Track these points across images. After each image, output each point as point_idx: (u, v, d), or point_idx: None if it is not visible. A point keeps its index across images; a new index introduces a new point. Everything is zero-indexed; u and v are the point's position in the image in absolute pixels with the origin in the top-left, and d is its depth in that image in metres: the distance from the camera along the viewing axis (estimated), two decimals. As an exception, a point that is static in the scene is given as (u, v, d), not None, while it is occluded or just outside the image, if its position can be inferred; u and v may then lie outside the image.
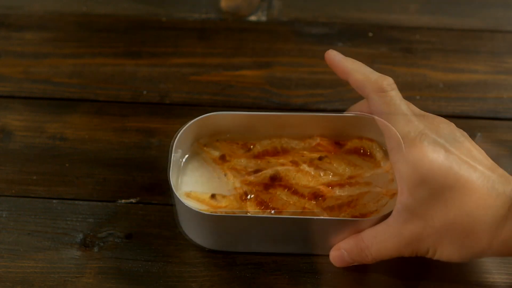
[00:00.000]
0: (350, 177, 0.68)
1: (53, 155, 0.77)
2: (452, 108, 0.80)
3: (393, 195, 0.66)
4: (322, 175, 0.68)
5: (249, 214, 0.66)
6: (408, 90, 0.82)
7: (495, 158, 0.75)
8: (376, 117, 0.62)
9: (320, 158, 0.69)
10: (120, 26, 0.91)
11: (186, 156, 0.71)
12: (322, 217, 0.64)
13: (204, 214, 0.64)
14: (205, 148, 0.70)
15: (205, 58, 0.87)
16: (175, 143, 0.68)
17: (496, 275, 0.66)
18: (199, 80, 0.84)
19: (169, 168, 0.66)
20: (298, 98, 0.82)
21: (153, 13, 0.93)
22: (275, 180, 0.68)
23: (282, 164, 0.69)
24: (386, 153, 0.69)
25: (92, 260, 0.68)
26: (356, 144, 0.70)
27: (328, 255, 0.66)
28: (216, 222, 0.65)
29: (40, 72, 0.86)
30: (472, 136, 0.76)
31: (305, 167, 0.68)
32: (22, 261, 0.68)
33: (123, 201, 0.72)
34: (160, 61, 0.87)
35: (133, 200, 0.72)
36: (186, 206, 0.64)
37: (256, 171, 0.68)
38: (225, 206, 0.67)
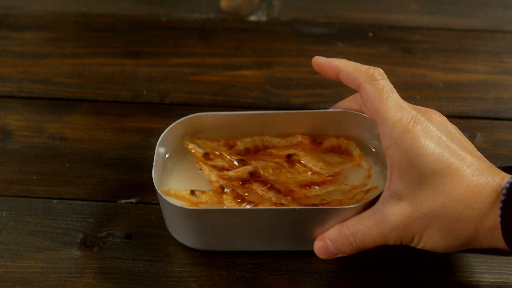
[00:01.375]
0: (330, 176, 0.68)
1: (53, 155, 0.77)
2: (452, 108, 0.80)
3: (368, 191, 0.66)
4: (301, 172, 0.68)
5: (228, 207, 0.66)
6: (408, 90, 0.82)
7: (495, 158, 0.75)
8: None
9: (288, 156, 0.69)
10: (120, 26, 0.91)
11: (169, 154, 0.71)
12: (305, 207, 0.64)
13: (185, 209, 0.64)
14: (189, 145, 0.70)
15: (205, 58, 0.87)
16: (158, 142, 0.68)
17: (496, 275, 0.66)
18: (199, 80, 0.84)
19: (153, 167, 0.66)
20: (298, 98, 0.82)
21: (153, 13, 0.93)
22: (254, 176, 0.68)
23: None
24: (362, 151, 0.70)
25: (92, 260, 0.68)
26: (333, 142, 0.71)
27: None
28: (198, 217, 0.65)
29: (40, 72, 0.86)
30: (472, 136, 0.77)
31: (285, 165, 0.68)
32: (22, 261, 0.68)
33: (123, 201, 0.72)
34: (160, 61, 0.87)
35: (133, 200, 0.72)
36: (169, 202, 0.64)
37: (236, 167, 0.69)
38: (206, 202, 0.67)
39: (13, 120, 0.80)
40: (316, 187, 0.67)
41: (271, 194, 0.67)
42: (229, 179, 0.68)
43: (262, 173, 0.68)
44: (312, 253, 0.66)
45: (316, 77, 0.84)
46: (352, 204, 0.65)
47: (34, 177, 0.75)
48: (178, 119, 0.70)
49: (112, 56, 0.87)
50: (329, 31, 0.90)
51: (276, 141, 0.71)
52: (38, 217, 0.71)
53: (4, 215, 0.71)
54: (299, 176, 0.68)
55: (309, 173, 0.68)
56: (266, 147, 0.71)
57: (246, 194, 0.67)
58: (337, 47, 0.88)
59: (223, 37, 0.90)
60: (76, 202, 0.72)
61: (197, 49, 0.88)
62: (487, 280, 0.66)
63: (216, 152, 0.70)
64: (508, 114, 0.80)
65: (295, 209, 0.64)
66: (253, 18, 0.92)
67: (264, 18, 0.92)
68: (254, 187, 0.67)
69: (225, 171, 0.68)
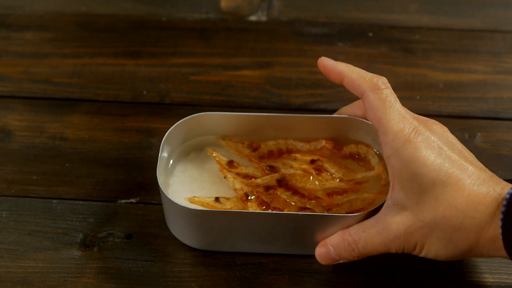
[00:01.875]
0: (356, 183, 0.68)
1: (53, 155, 0.77)
2: (452, 108, 0.80)
3: (379, 193, 0.67)
4: (328, 179, 0.68)
5: (235, 210, 0.66)
6: (408, 90, 0.82)
7: (495, 158, 0.75)
8: (370, 113, 0.63)
9: (312, 161, 0.69)
10: (120, 26, 0.91)
11: (172, 153, 0.71)
12: (306, 213, 0.65)
13: (188, 209, 0.64)
14: (213, 154, 0.71)
15: (205, 58, 0.87)
16: (163, 142, 0.68)
17: (496, 275, 0.66)
18: (199, 80, 0.85)
19: (158, 167, 0.66)
20: (298, 98, 0.82)
21: (153, 13, 0.93)
22: (281, 183, 0.68)
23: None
24: (380, 159, 0.70)
25: (92, 260, 0.68)
26: (352, 149, 0.71)
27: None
28: (201, 218, 0.65)
29: (40, 72, 0.86)
30: (472, 136, 0.77)
31: (312, 172, 0.68)
32: (22, 261, 0.68)
33: (123, 201, 0.72)
34: (160, 61, 0.87)
35: (133, 200, 0.72)
36: (172, 202, 0.64)
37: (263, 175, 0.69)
38: (230, 208, 0.67)
39: (13, 120, 0.80)
40: (338, 196, 0.67)
41: (295, 199, 0.67)
42: (255, 186, 0.68)
43: (290, 181, 0.68)
44: (312, 254, 0.66)
45: (316, 77, 0.84)
46: (362, 206, 0.66)
47: (34, 177, 0.75)
48: (178, 119, 0.70)
49: (112, 56, 0.87)
50: (329, 31, 0.90)
51: (300, 145, 0.71)
52: (38, 217, 0.71)
53: (4, 215, 0.71)
54: (327, 183, 0.68)
55: (337, 180, 0.68)
56: (289, 151, 0.71)
57: (271, 200, 0.67)
58: (337, 47, 0.88)
59: (223, 37, 0.90)
60: (76, 202, 0.72)
61: (197, 49, 0.88)
62: (487, 280, 0.66)
63: (250, 159, 0.70)
64: (508, 114, 0.80)
65: (297, 214, 0.64)
66: (253, 18, 0.92)
67: (264, 18, 0.92)
68: (279, 193, 0.67)
69: (253, 179, 0.68)
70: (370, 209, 0.64)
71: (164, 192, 0.65)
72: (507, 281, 0.65)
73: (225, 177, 0.69)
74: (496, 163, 0.74)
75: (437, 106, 0.80)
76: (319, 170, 0.69)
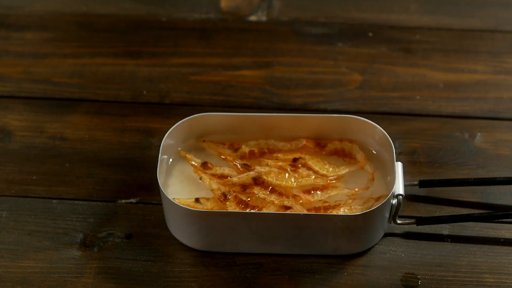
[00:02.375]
0: (334, 178, 0.69)
1: (53, 155, 0.77)
2: (452, 108, 0.80)
3: (379, 198, 0.67)
4: (304, 176, 0.69)
5: (234, 211, 0.66)
6: (408, 90, 0.82)
7: (495, 158, 0.75)
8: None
9: (294, 160, 0.70)
10: (120, 26, 0.91)
11: (172, 155, 0.71)
12: (310, 213, 0.65)
13: (191, 210, 0.64)
14: (187, 156, 0.71)
15: (205, 58, 0.87)
16: (163, 143, 0.68)
17: (496, 275, 0.66)
18: (199, 80, 0.85)
19: (158, 167, 0.66)
20: (298, 98, 0.82)
21: (153, 13, 0.93)
22: (257, 181, 0.68)
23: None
24: (366, 154, 0.70)
25: (92, 260, 0.68)
26: (337, 145, 0.71)
27: (317, 255, 0.66)
28: (204, 219, 0.65)
29: (40, 72, 0.86)
30: (472, 136, 0.77)
31: (287, 169, 0.69)
32: (22, 261, 0.68)
33: (123, 201, 0.72)
34: (160, 61, 0.87)
35: (133, 200, 0.72)
36: (173, 202, 0.64)
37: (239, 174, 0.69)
38: (211, 208, 0.67)
39: (13, 120, 0.80)
40: (318, 192, 0.67)
41: (273, 197, 0.67)
42: (232, 185, 0.68)
43: (266, 178, 0.68)
44: (312, 254, 0.66)
45: (316, 77, 0.84)
46: (361, 208, 0.66)
47: (34, 177, 0.74)
48: (178, 119, 0.70)
49: (112, 56, 0.87)
50: (329, 31, 0.90)
51: (281, 144, 0.72)
52: (38, 217, 0.71)
53: (4, 215, 0.71)
54: (303, 181, 0.68)
55: (313, 177, 0.69)
56: (271, 151, 0.71)
57: (249, 199, 0.67)
58: (337, 47, 0.88)
59: (223, 37, 0.90)
60: (76, 202, 0.72)
61: (197, 49, 0.88)
62: (487, 280, 0.66)
63: (222, 157, 0.71)
64: (508, 114, 0.80)
65: (299, 214, 0.64)
66: (253, 18, 0.92)
67: (264, 18, 0.92)
68: (256, 191, 0.67)
69: (229, 177, 0.69)
70: (369, 209, 0.64)
71: (164, 193, 0.65)
72: (507, 281, 0.65)
73: (200, 179, 0.69)
74: (496, 163, 0.74)
75: (437, 106, 0.80)
76: (296, 167, 0.69)
